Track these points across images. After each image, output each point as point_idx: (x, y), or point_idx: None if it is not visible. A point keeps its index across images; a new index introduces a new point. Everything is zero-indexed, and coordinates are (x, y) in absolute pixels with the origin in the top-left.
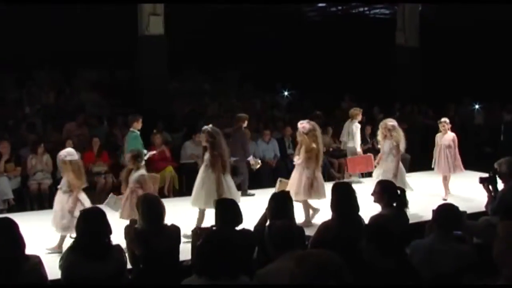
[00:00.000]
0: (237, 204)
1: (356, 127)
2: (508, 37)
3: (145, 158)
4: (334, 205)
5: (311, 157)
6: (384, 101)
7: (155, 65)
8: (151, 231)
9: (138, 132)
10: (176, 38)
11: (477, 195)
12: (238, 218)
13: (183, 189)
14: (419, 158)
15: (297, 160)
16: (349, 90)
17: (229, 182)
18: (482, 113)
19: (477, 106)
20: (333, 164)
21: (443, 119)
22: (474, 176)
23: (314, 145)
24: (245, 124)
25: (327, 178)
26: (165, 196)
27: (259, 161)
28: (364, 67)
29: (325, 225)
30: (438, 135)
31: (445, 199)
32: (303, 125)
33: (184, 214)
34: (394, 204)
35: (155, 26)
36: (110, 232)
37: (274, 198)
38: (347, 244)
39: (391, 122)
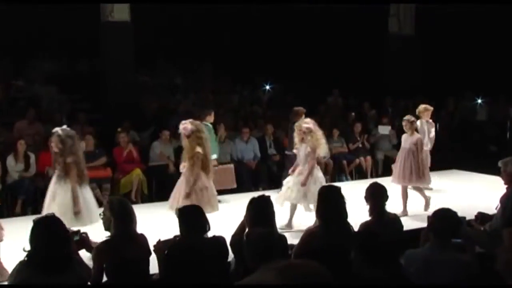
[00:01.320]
0: (202, 210)
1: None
2: None
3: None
4: (320, 211)
5: (196, 164)
6: (375, 95)
7: (120, 55)
8: (123, 238)
9: (211, 126)
10: (144, 25)
11: (479, 199)
12: (204, 225)
13: (152, 194)
14: None
15: (182, 168)
16: (337, 84)
17: (86, 194)
18: (485, 108)
19: (480, 101)
20: (320, 166)
21: (406, 117)
22: (477, 178)
23: (198, 149)
24: (303, 118)
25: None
26: (132, 202)
27: None
28: (353, 58)
29: (310, 233)
30: (403, 136)
31: (405, 214)
32: (184, 126)
33: (154, 222)
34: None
35: (120, 11)
36: (69, 242)
37: (252, 203)
38: (335, 254)
39: (306, 124)
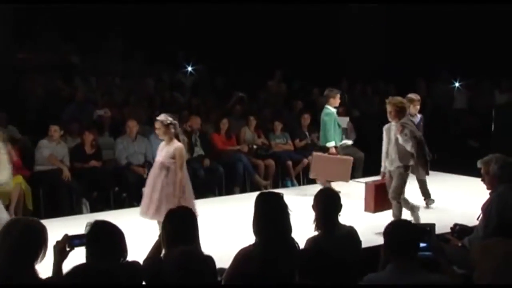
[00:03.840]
0: (117, 230)
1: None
2: None
3: None
4: (257, 226)
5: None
6: (328, 79)
7: None
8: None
9: (334, 111)
10: None
11: (456, 207)
12: (116, 249)
13: (41, 209)
14: (377, 155)
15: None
16: (280, 64)
17: None
18: (465, 93)
19: (457, 84)
20: (258, 168)
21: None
22: (454, 181)
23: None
24: (336, 100)
25: (250, 186)
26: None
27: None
28: (300, 31)
29: (243, 254)
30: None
31: None
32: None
33: None
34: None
35: None
36: None
37: (170, 217)
38: (275, 279)
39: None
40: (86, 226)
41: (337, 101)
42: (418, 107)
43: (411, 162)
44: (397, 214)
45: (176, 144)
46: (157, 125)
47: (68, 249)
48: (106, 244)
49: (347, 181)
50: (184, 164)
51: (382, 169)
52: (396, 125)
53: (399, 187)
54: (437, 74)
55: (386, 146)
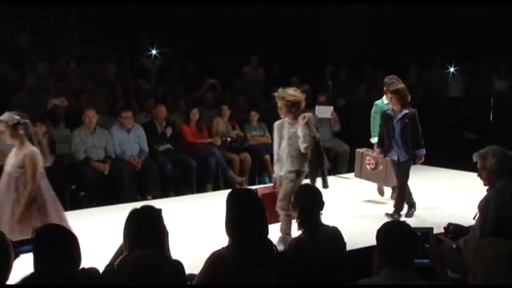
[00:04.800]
0: (69, 234)
1: None
2: None
3: None
4: (230, 226)
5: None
6: (309, 64)
7: None
8: None
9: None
10: None
11: (451, 205)
12: (68, 255)
13: None
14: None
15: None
16: (256, 49)
17: None
18: (461, 79)
19: (452, 69)
20: (232, 162)
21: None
22: (449, 176)
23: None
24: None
25: (224, 183)
26: None
27: None
28: (279, 12)
29: (216, 257)
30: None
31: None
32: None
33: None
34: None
35: None
36: None
37: (132, 218)
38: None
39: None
40: (33, 231)
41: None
42: (398, 97)
43: (306, 167)
44: (285, 229)
45: (27, 149)
46: (1, 127)
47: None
48: (56, 251)
49: (389, 185)
50: (39, 173)
51: (273, 175)
52: (293, 121)
53: (287, 196)
54: (429, 59)
55: (277, 146)
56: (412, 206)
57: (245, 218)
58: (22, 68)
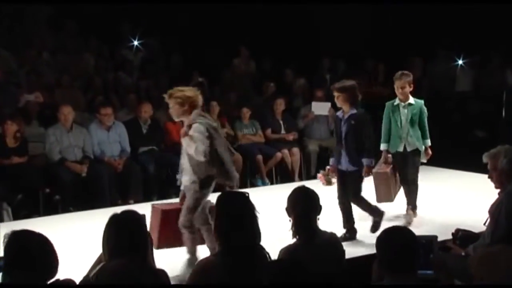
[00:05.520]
0: (43, 241)
1: None
2: None
3: None
4: (219, 231)
5: None
6: (305, 56)
7: None
8: None
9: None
10: None
11: (460, 209)
12: (42, 265)
13: None
14: None
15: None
16: (247, 40)
17: None
18: (469, 73)
19: (460, 62)
20: None
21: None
22: (457, 178)
23: None
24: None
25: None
26: None
27: None
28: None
29: (204, 265)
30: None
31: None
32: None
33: None
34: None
35: None
36: None
37: (112, 224)
38: None
39: None
40: (4, 238)
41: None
42: (342, 95)
43: (211, 172)
44: (191, 248)
45: None
46: None
47: None
48: (27, 261)
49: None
50: None
51: (182, 188)
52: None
53: (191, 210)
54: (435, 51)
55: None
56: (349, 230)
57: (237, 223)
58: None
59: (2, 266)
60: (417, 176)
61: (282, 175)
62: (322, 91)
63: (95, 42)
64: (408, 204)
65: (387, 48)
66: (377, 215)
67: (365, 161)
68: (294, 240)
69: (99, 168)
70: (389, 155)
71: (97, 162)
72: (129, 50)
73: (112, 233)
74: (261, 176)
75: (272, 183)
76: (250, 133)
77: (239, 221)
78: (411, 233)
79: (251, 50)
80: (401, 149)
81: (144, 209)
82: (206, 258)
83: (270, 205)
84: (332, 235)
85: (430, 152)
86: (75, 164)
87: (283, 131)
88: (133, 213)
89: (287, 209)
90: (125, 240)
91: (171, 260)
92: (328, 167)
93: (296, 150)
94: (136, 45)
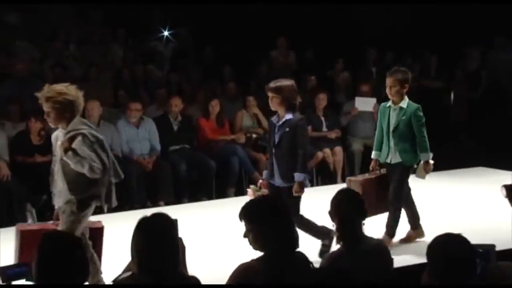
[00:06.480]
0: (77, 244)
1: None
2: None
3: None
4: (261, 237)
5: None
6: (349, 47)
7: None
8: None
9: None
10: None
11: None
12: (78, 271)
13: None
14: None
15: None
16: (285, 30)
17: None
18: None
19: None
20: (258, 163)
21: None
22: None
23: None
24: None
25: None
26: None
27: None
28: None
29: (244, 269)
30: None
31: None
32: None
33: None
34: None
35: None
36: None
37: (141, 228)
38: None
39: None
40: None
41: None
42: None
43: (92, 190)
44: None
45: None
46: None
47: (3, 283)
48: (64, 266)
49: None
50: None
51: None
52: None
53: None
54: (492, 40)
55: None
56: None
57: (279, 228)
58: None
59: (26, 271)
60: (399, 197)
61: (323, 176)
62: (368, 86)
63: (123, 32)
64: (386, 226)
65: (439, 37)
66: (325, 237)
67: (296, 176)
68: (338, 246)
69: (128, 167)
70: (383, 169)
71: (126, 161)
72: (159, 41)
73: (141, 238)
74: None
75: (312, 185)
76: None
77: (281, 225)
78: (465, 241)
79: (291, 41)
80: (389, 159)
81: (175, 211)
82: (247, 263)
83: (311, 208)
84: (380, 242)
85: (431, 167)
86: None
87: (324, 129)
88: (164, 217)
89: (330, 213)
90: (156, 246)
91: (206, 267)
92: (260, 181)
93: (338, 149)
94: (167, 36)
